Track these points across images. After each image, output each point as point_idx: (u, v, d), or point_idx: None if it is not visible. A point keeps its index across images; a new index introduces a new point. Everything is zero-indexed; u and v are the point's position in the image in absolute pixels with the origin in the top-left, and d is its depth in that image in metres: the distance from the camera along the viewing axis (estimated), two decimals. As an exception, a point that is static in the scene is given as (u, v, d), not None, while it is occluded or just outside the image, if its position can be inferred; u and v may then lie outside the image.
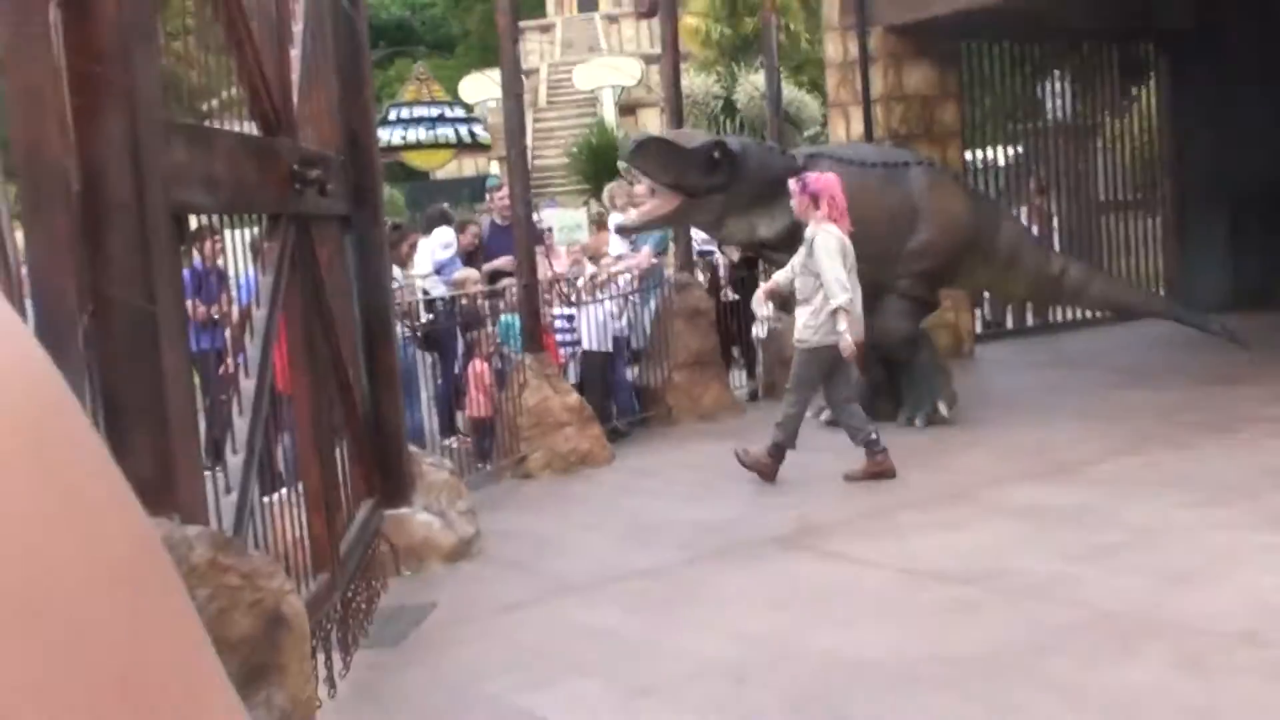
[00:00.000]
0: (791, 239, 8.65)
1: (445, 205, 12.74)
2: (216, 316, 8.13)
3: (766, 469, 7.55)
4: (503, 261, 9.57)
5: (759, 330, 11.24)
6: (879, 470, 7.42)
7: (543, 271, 9.12)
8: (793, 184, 7.81)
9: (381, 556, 6.03)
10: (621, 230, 9.20)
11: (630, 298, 9.90)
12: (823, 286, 7.38)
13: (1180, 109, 14.94)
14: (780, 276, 7.88)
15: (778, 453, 7.55)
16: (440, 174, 25.52)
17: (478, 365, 8.71)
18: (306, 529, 4.97)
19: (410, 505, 6.33)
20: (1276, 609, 4.79)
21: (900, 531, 6.33)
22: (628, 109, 30.56)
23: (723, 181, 8.48)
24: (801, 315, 7.59)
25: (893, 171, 9.03)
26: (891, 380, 9.15)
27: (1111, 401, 9.28)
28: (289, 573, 4.52)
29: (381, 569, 5.98)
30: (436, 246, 10.19)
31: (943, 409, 8.89)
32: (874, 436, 7.50)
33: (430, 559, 6.30)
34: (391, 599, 5.82)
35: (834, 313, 7.34)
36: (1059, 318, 13.85)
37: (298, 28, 5.58)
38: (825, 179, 7.74)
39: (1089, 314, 14.25)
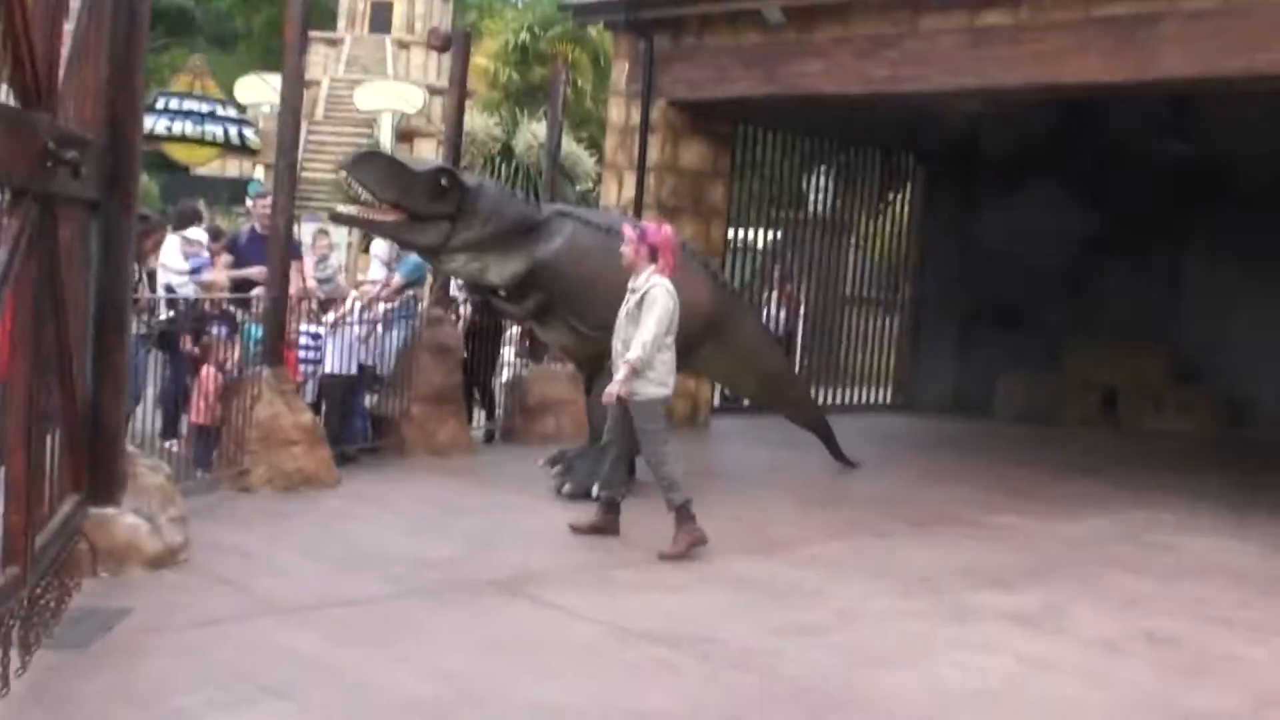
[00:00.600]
0: (522, 290, 8.64)
1: (200, 203, 12.36)
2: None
3: (693, 537, 7.15)
4: (254, 271, 9.32)
5: (505, 375, 11.32)
6: (604, 527, 7.49)
7: (294, 286, 8.93)
8: (628, 230, 7.63)
9: (80, 555, 5.76)
10: (335, 218, 8.91)
11: (378, 325, 9.78)
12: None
13: (928, 220, 15.88)
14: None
15: (685, 515, 7.20)
16: (200, 170, 24.70)
17: (207, 371, 8.43)
18: (1, 518, 4.71)
19: (118, 506, 6.07)
20: (953, 698, 5.08)
21: (616, 589, 6.43)
22: (405, 135, 30.34)
23: (449, 211, 8.33)
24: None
25: None
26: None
27: (831, 486, 9.71)
28: (-25, 561, 4.28)
29: (78, 569, 5.70)
30: (200, 246, 9.90)
31: (595, 490, 8.18)
32: (619, 500, 7.53)
33: (131, 563, 6.04)
34: (85, 601, 5.55)
35: (626, 361, 7.18)
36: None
37: (74, 1, 5.36)
38: (665, 231, 7.61)
39: (826, 400, 14.86)
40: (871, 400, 15.57)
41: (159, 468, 6.60)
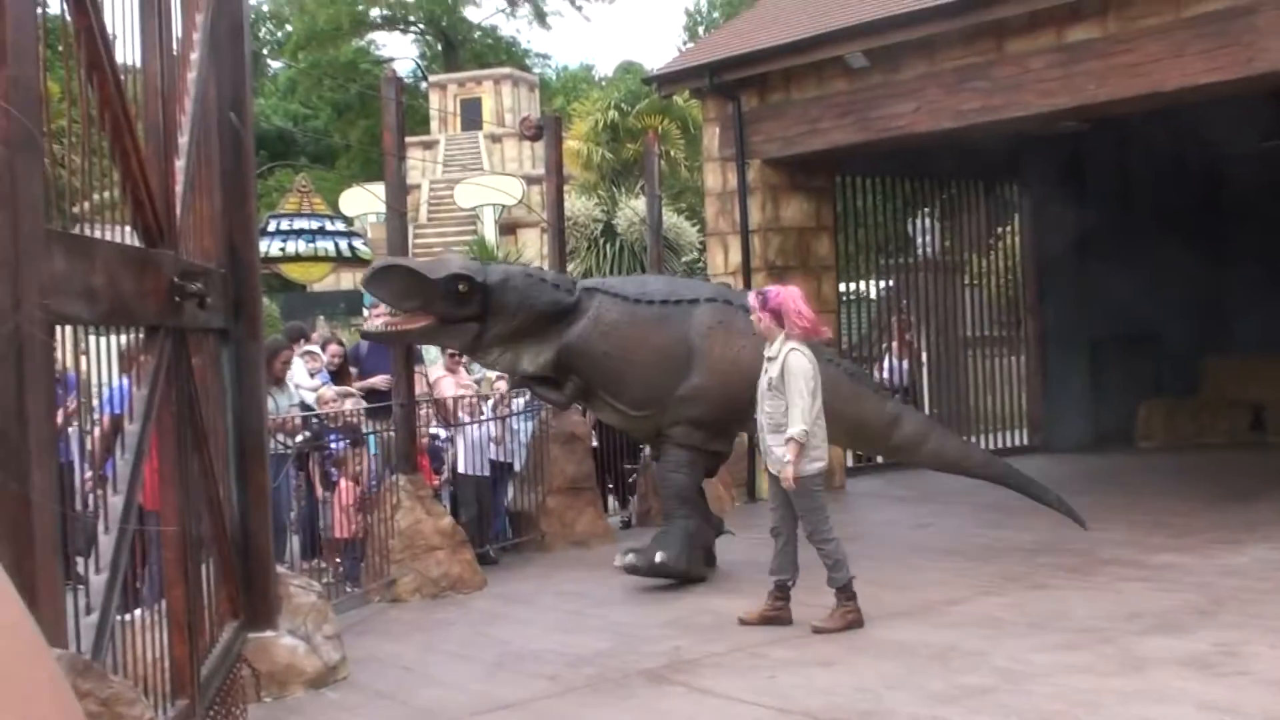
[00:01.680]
0: (558, 371, 8.37)
1: (320, 319, 12.62)
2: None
3: (855, 618, 7.01)
4: (379, 380, 9.48)
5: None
6: (775, 616, 7.20)
7: (420, 388, 9.06)
8: (752, 299, 7.32)
9: (243, 681, 5.84)
10: (365, 336, 8.87)
11: (509, 420, 9.86)
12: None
13: (1042, 252, 15.53)
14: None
15: (847, 593, 7.05)
16: (316, 286, 25.28)
17: (344, 485, 8.54)
18: (167, 651, 4.80)
19: (275, 628, 6.16)
20: (1136, 756, 4.88)
21: (770, 668, 6.33)
22: (508, 228, 30.80)
23: (475, 313, 8.09)
24: (778, 444, 7.09)
25: (672, 309, 8.48)
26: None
27: (977, 540, 9.47)
28: (146, 695, 4.35)
29: (242, 695, 5.79)
30: (320, 359, 10.12)
31: (659, 558, 8.22)
32: (790, 585, 7.24)
33: (293, 685, 6.12)
34: (251, 727, 5.63)
35: (788, 440, 6.94)
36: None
37: (183, 139, 5.53)
38: (786, 292, 7.31)
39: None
40: (1007, 444, 15.22)
41: (310, 587, 6.69)
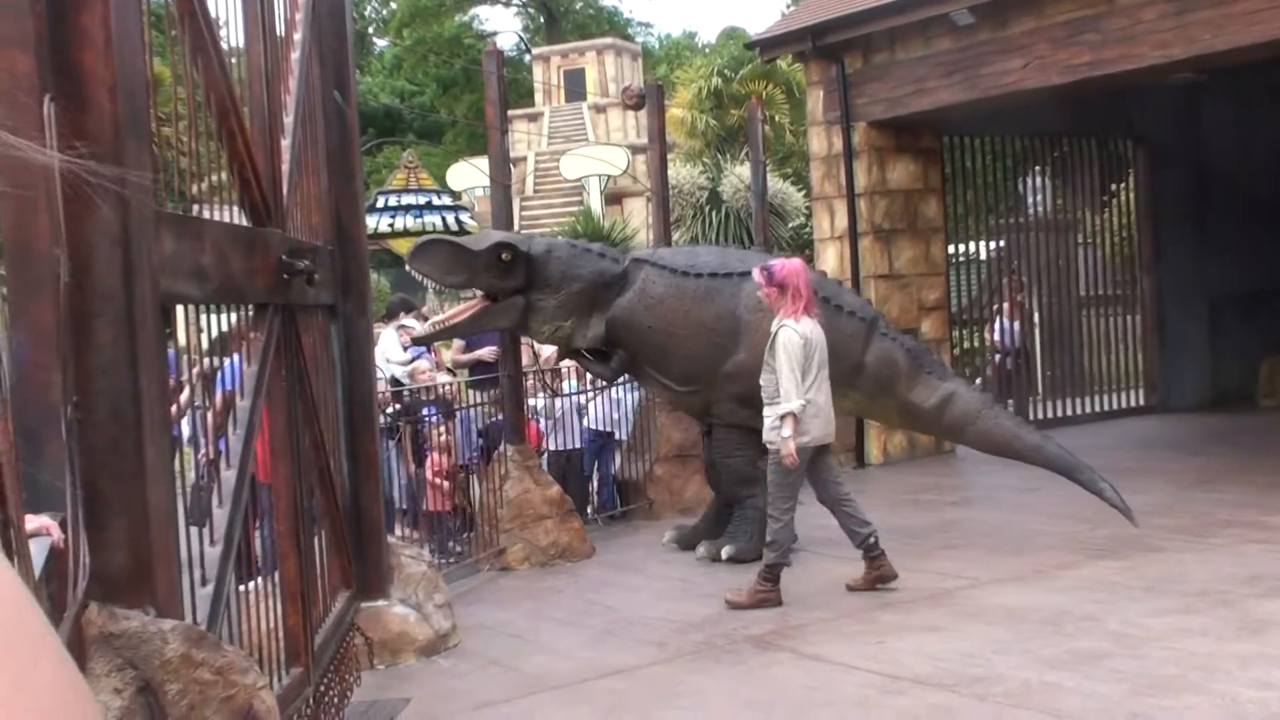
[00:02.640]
0: (607, 343, 8.28)
1: (430, 293, 12.75)
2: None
3: (767, 598, 6.95)
4: (485, 352, 9.59)
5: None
6: (879, 575, 7.14)
7: (527, 359, 9.14)
8: (757, 274, 7.22)
9: (356, 649, 5.97)
10: (416, 341, 8.89)
11: (611, 390, 9.90)
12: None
13: (1158, 208, 15.13)
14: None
15: (772, 575, 6.98)
16: (426, 259, 25.63)
17: (435, 458, 8.61)
18: (281, 620, 4.92)
19: (387, 597, 6.29)
20: (1255, 721, 4.77)
21: (879, 633, 6.30)
22: (614, 198, 30.83)
23: (520, 284, 8.06)
24: (769, 415, 7.05)
25: (721, 282, 8.25)
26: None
27: (1090, 502, 9.24)
28: (262, 665, 4.47)
29: (356, 662, 5.92)
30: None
31: (726, 553, 8.14)
32: (873, 540, 7.16)
33: (405, 653, 6.24)
34: (365, 693, 5.76)
35: (783, 415, 6.88)
36: (1044, 414, 13.89)
37: (288, 118, 5.63)
38: (791, 266, 7.19)
39: (1072, 411, 14.33)
40: (1123, 404, 14.93)
41: (421, 556, 6.81)
